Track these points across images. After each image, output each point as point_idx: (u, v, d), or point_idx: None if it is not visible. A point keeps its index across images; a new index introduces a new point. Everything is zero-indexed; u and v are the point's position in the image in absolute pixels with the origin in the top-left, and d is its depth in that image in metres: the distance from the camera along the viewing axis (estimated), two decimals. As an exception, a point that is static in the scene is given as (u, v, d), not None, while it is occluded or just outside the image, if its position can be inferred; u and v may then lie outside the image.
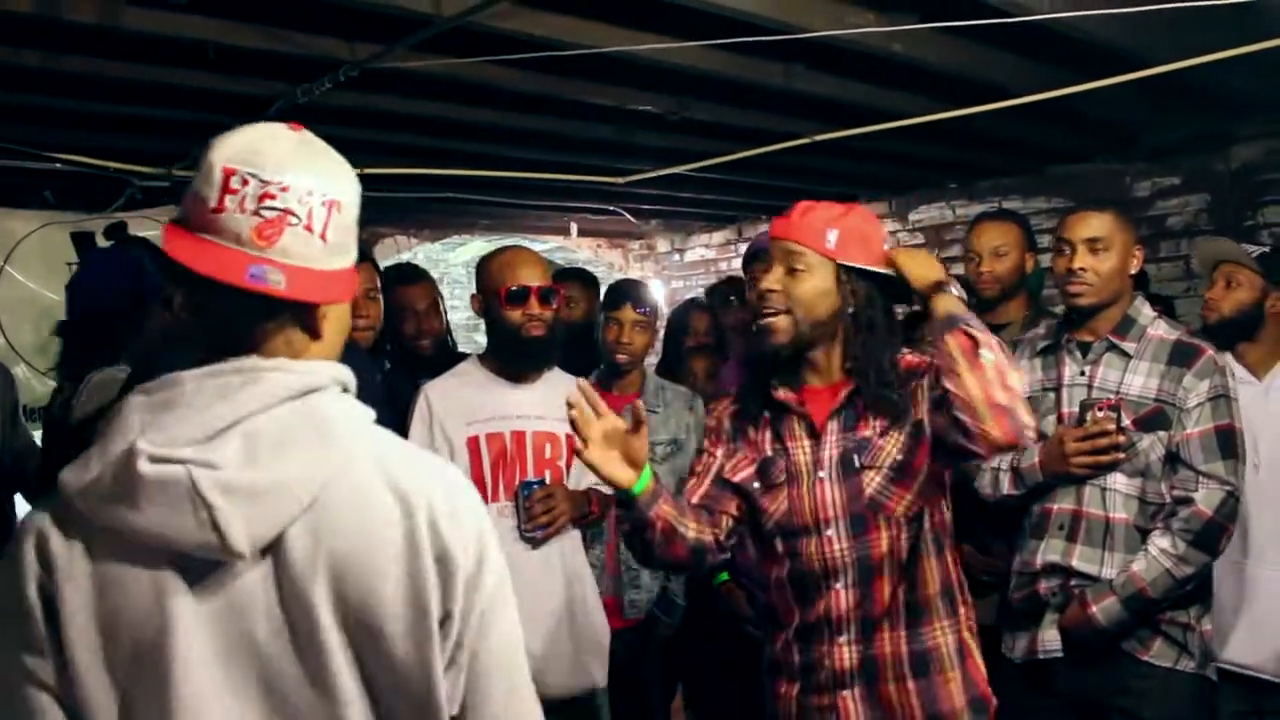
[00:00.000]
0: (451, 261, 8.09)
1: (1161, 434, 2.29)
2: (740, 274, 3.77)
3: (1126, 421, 2.29)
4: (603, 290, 3.29)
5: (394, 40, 2.52)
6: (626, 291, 3.00)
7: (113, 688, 0.98)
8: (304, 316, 1.05)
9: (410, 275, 3.21)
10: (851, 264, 1.80)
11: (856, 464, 1.81)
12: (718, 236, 6.60)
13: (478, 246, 6.69)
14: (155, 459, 0.95)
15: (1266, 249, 2.84)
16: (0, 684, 1.00)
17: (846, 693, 1.81)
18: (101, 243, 3.04)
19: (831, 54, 2.83)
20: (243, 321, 1.03)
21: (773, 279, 1.82)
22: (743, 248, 6.08)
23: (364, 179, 1.14)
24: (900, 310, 2.04)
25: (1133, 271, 2.39)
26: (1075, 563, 2.32)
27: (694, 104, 3.33)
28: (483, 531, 1.07)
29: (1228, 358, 2.65)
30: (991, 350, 1.64)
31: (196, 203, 1.01)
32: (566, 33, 2.58)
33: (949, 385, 1.65)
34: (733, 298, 4.03)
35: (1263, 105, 3.63)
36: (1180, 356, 2.31)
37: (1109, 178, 4.47)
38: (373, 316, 2.83)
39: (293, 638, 0.99)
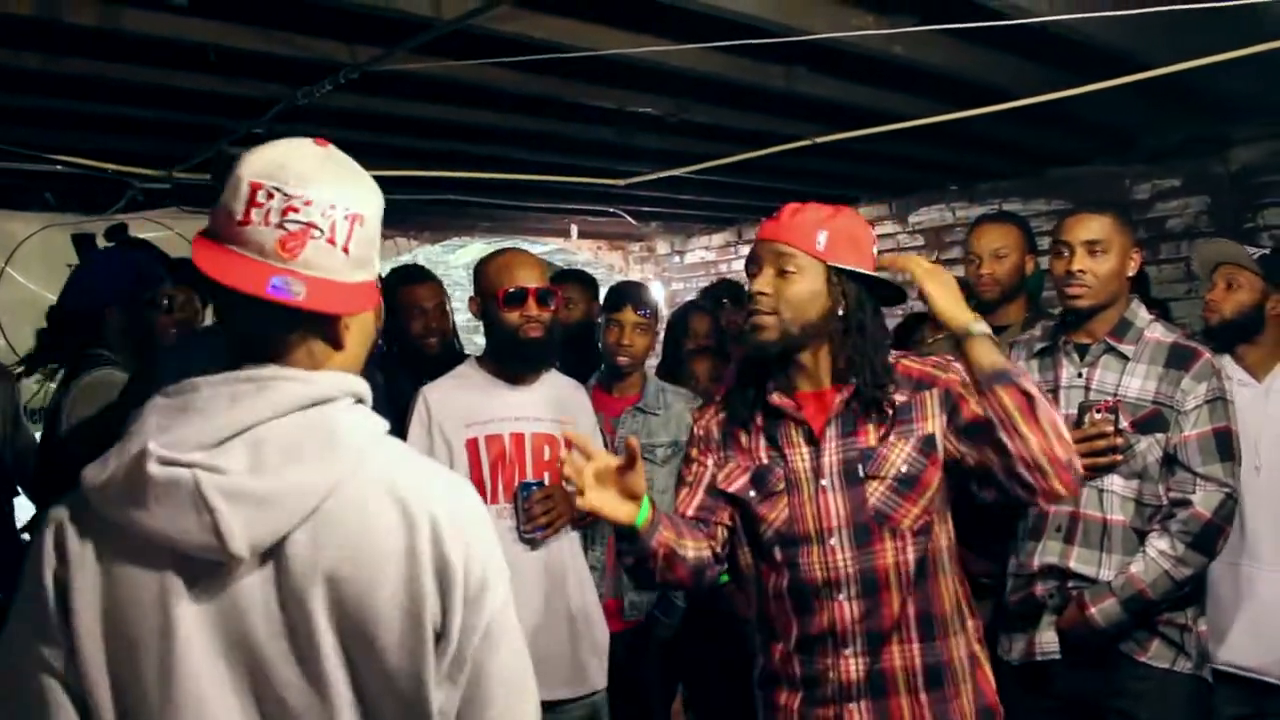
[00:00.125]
0: (452, 264, 8.10)
1: (1159, 436, 2.29)
2: (732, 276, 3.78)
3: (1124, 423, 2.29)
4: (603, 292, 3.29)
5: (394, 43, 2.52)
6: (627, 293, 3.01)
7: (114, 680, 1.01)
8: (326, 328, 1.08)
9: (418, 275, 3.23)
10: (842, 265, 1.78)
11: (860, 474, 1.78)
12: (718, 239, 6.61)
13: (478, 248, 6.70)
14: (164, 461, 0.98)
15: (1267, 251, 2.84)
16: (15, 668, 1.04)
17: (853, 705, 1.77)
18: (102, 244, 3.04)
19: (832, 56, 2.83)
20: (265, 331, 1.07)
21: (764, 281, 1.79)
22: (743, 250, 6.10)
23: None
24: (900, 311, 2.04)
25: (1130, 274, 2.39)
26: (1073, 564, 2.32)
27: (694, 106, 3.33)
28: (489, 554, 1.08)
29: (1226, 360, 2.65)
30: (1044, 401, 1.67)
31: (224, 216, 1.05)
32: (566, 35, 2.58)
33: (1007, 442, 1.66)
34: (726, 300, 4.04)
35: (1262, 107, 3.63)
36: (1178, 359, 2.31)
37: (1109, 180, 4.47)
38: None
39: (291, 641, 1.01)
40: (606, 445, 2.78)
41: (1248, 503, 2.48)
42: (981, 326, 1.76)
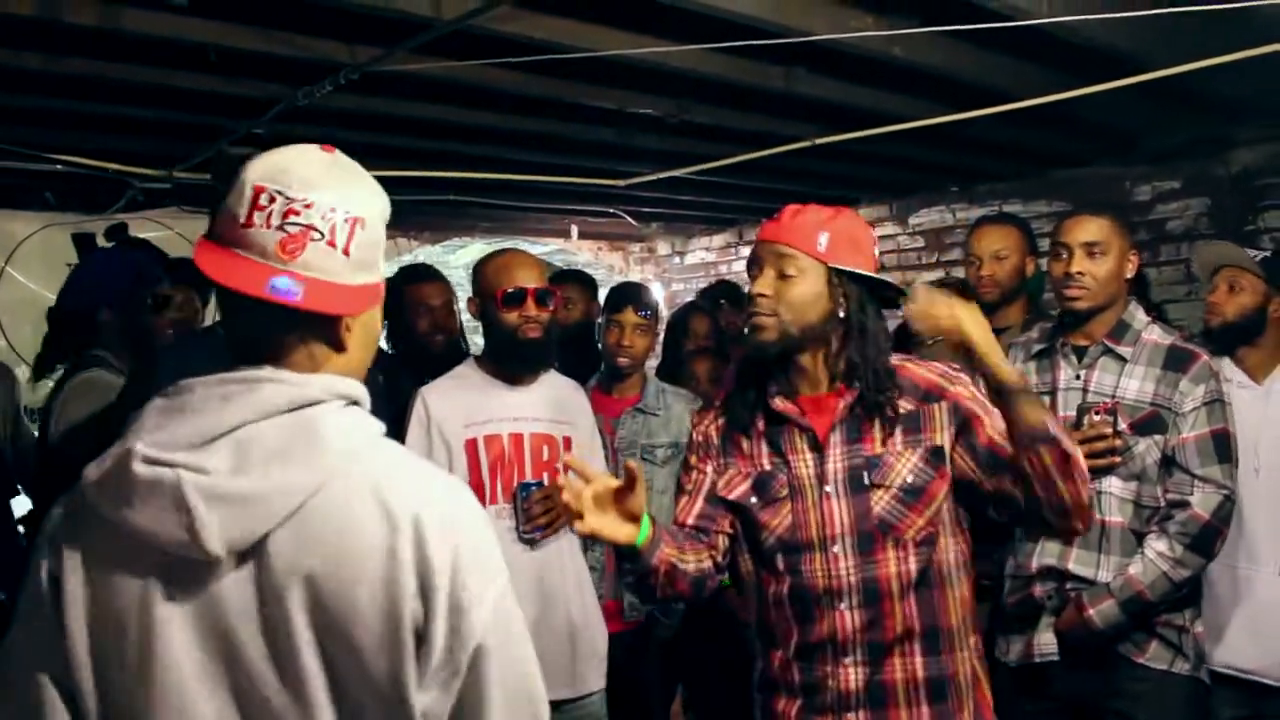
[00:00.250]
0: (452, 264, 8.09)
1: (1157, 438, 2.29)
2: (732, 277, 3.78)
3: (1122, 425, 2.29)
4: (603, 293, 3.29)
5: (394, 43, 2.52)
6: (628, 294, 3.01)
7: (97, 677, 1.02)
8: (326, 329, 1.09)
9: (425, 274, 3.24)
10: (843, 267, 1.76)
11: (866, 481, 1.76)
12: (718, 239, 6.61)
13: (478, 249, 6.70)
14: (149, 460, 1.00)
15: (1268, 253, 2.84)
16: (16, 668, 1.05)
17: (851, 715, 1.76)
18: (102, 244, 3.05)
19: (832, 57, 2.83)
20: (266, 332, 1.08)
21: (764, 283, 1.77)
22: (744, 251, 6.10)
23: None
24: (900, 314, 2.03)
25: (1128, 276, 2.40)
26: (1071, 566, 2.32)
27: (694, 107, 3.33)
28: (484, 560, 1.06)
29: (1225, 362, 2.65)
30: (1079, 455, 1.68)
31: (227, 218, 1.07)
32: (567, 36, 2.58)
33: (1040, 492, 1.66)
34: (724, 300, 4.04)
35: (1263, 109, 3.63)
36: (1175, 361, 2.31)
37: (1109, 182, 4.47)
38: None
39: (270, 640, 1.01)
40: (606, 446, 2.78)
41: (1246, 504, 2.48)
42: (1027, 382, 1.74)
